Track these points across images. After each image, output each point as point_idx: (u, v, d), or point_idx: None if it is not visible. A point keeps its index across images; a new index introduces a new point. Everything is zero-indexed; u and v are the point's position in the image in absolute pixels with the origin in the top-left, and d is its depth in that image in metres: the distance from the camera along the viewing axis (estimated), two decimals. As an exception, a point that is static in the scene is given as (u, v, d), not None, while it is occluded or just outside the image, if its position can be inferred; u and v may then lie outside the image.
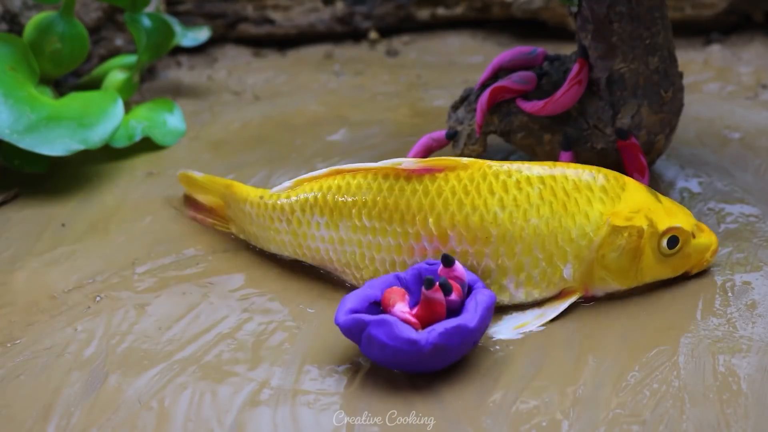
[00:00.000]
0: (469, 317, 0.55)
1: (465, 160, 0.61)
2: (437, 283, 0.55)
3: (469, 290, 0.58)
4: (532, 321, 0.60)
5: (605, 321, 0.60)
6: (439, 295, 0.55)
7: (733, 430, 0.52)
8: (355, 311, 0.56)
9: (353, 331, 0.55)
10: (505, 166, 0.61)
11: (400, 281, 0.58)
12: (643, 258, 0.61)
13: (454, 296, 0.56)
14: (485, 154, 0.78)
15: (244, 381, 0.56)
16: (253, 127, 0.86)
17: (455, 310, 0.56)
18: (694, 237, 0.62)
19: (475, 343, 0.56)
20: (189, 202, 0.71)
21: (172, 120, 0.85)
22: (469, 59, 0.98)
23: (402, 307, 0.55)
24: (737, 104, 0.86)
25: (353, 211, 0.61)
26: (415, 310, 0.56)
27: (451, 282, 0.56)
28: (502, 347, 0.58)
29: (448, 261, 0.56)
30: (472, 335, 0.55)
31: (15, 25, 0.89)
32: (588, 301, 0.61)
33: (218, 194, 0.68)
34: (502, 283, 0.60)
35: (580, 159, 0.71)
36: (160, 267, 0.66)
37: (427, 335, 0.54)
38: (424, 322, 0.55)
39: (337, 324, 0.56)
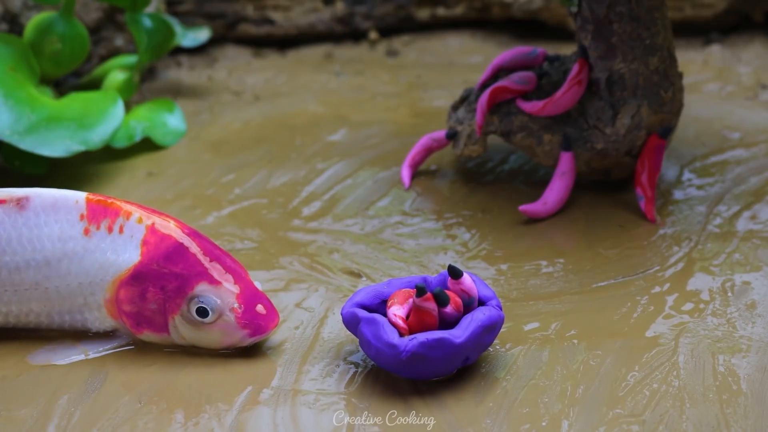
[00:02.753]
0: (457, 333, 0.54)
1: None
2: (429, 293, 0.55)
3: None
4: None
5: (605, 321, 0.60)
6: (430, 305, 0.55)
7: (733, 430, 0.52)
8: (362, 305, 0.56)
9: (350, 324, 0.56)
10: None
11: (427, 284, 0.57)
12: None
13: (450, 309, 0.55)
14: (485, 154, 0.78)
15: (244, 381, 0.56)
16: (253, 127, 0.86)
17: (452, 323, 0.55)
18: None
19: (467, 360, 0.55)
20: None
21: (172, 120, 0.85)
22: (469, 59, 0.98)
23: (396, 310, 0.55)
24: (737, 104, 0.86)
25: None
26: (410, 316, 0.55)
27: (452, 294, 0.56)
28: (502, 347, 0.58)
29: (455, 273, 0.56)
30: (457, 351, 0.54)
31: (15, 25, 0.89)
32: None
33: None
34: None
35: (580, 159, 0.72)
36: (160, 267, 0.66)
37: (407, 342, 0.53)
38: (414, 329, 0.55)
39: (341, 314, 0.56)
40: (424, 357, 0.53)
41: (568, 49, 0.82)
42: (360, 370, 0.57)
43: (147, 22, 0.85)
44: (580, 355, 0.57)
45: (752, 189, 0.73)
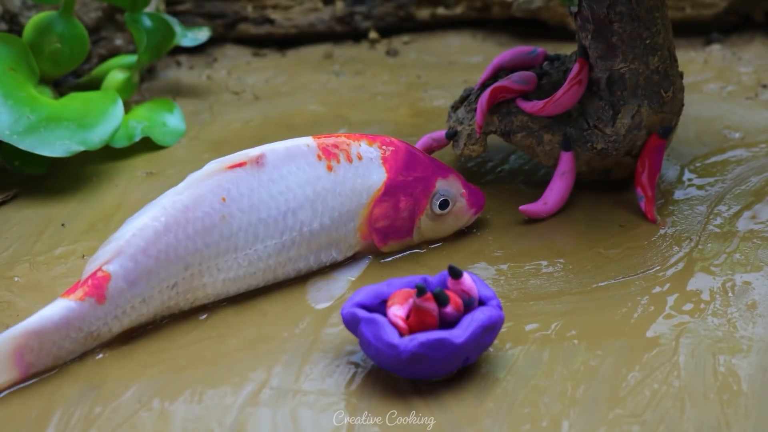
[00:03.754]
0: (457, 333, 0.54)
1: None
2: (429, 293, 0.54)
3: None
4: None
5: (605, 321, 0.60)
6: (431, 305, 0.55)
7: (734, 431, 0.52)
8: (362, 305, 0.56)
9: (350, 324, 0.56)
10: None
11: (427, 284, 0.57)
12: None
13: (450, 309, 0.55)
14: (485, 154, 0.78)
15: (244, 381, 0.56)
16: (253, 127, 0.86)
17: (452, 323, 0.55)
18: None
19: (467, 360, 0.55)
20: None
21: (171, 120, 0.85)
22: (469, 59, 0.98)
23: (396, 310, 0.55)
24: (737, 104, 0.86)
25: None
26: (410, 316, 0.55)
27: (452, 295, 0.56)
28: (502, 347, 0.58)
29: (455, 273, 0.56)
30: (458, 351, 0.54)
31: (14, 25, 0.89)
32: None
33: None
34: None
35: (580, 159, 0.71)
36: (159, 267, 0.66)
37: (407, 342, 0.53)
38: (414, 329, 0.55)
39: (341, 315, 0.56)
40: (424, 357, 0.53)
41: (568, 49, 0.82)
42: (360, 370, 0.57)
43: (147, 22, 0.85)
44: (581, 356, 0.57)
45: (753, 189, 0.73)
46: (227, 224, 0.60)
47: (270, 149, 0.62)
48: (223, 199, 0.60)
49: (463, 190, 0.66)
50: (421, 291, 0.54)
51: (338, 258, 0.64)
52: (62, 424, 0.53)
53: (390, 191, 0.64)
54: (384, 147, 0.65)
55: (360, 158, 0.63)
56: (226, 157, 0.62)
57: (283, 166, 0.62)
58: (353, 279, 0.63)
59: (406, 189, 0.64)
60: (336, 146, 0.63)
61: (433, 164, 0.66)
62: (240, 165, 0.61)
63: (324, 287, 0.63)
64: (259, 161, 0.61)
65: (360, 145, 0.64)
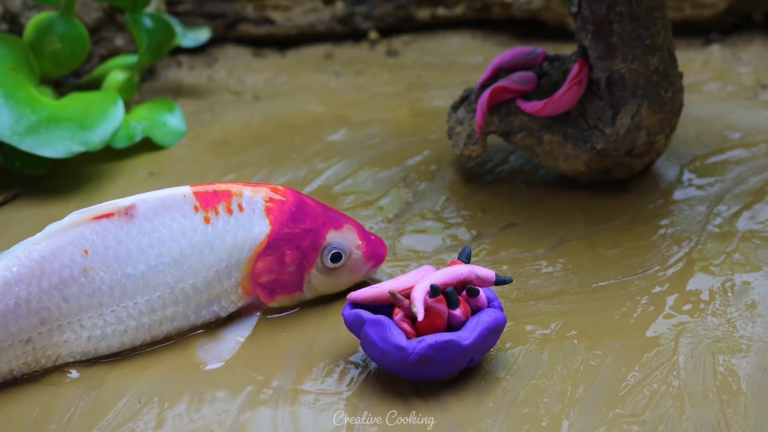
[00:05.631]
0: (465, 335, 0.54)
1: None
2: (441, 293, 0.54)
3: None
4: None
5: (605, 321, 0.60)
6: (441, 306, 0.55)
7: (733, 430, 0.52)
8: (363, 305, 0.56)
9: (353, 325, 0.55)
10: None
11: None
12: None
13: (458, 312, 0.55)
14: (485, 154, 0.78)
15: (244, 381, 0.56)
16: (253, 127, 0.86)
17: (457, 326, 0.55)
18: None
19: (472, 361, 0.55)
20: None
21: (172, 120, 0.85)
22: (469, 59, 0.98)
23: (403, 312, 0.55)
24: (737, 104, 0.86)
25: None
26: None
27: (462, 300, 0.55)
28: (502, 347, 0.58)
29: (472, 292, 0.55)
30: (464, 353, 0.54)
31: (15, 25, 0.89)
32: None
33: None
34: None
35: (580, 159, 0.71)
36: (160, 267, 0.66)
37: (415, 344, 0.53)
38: (421, 331, 0.55)
39: (342, 315, 0.56)
40: (432, 359, 0.53)
41: (568, 49, 0.82)
42: (360, 370, 0.57)
43: (147, 22, 0.85)
44: (580, 355, 0.57)
45: (752, 189, 0.73)
46: (90, 278, 0.57)
47: (142, 199, 0.58)
48: (86, 252, 0.57)
49: (360, 242, 0.62)
50: (434, 291, 0.54)
51: (221, 314, 0.60)
52: (62, 424, 0.54)
53: (273, 244, 0.60)
54: (269, 197, 0.60)
55: (241, 209, 0.59)
56: (92, 207, 0.58)
57: (155, 218, 0.58)
58: (242, 339, 0.59)
59: (292, 242, 0.60)
60: (216, 197, 0.59)
61: (325, 214, 0.62)
62: (107, 215, 0.57)
63: (212, 348, 0.59)
64: (128, 212, 0.57)
65: (242, 195, 0.60)
